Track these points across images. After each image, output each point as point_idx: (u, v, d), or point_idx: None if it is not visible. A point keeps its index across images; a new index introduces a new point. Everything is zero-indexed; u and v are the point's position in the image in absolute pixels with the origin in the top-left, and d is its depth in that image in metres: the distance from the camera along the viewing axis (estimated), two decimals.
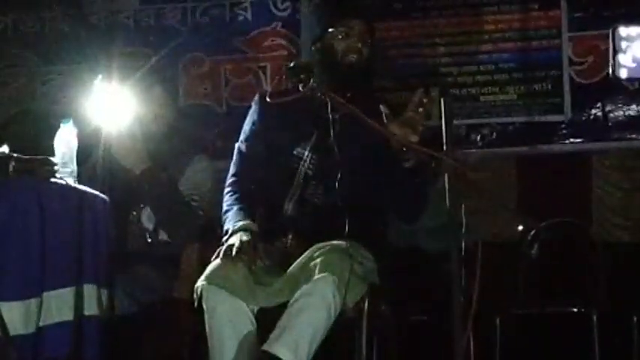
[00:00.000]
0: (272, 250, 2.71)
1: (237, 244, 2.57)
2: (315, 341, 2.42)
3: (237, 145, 2.93)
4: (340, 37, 2.81)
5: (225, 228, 2.72)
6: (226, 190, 2.86)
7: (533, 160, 4.78)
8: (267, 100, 2.80)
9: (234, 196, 2.82)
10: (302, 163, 2.77)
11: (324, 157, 2.74)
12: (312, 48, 2.90)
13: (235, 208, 2.77)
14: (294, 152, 2.78)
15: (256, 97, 2.94)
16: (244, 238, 2.60)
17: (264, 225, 2.76)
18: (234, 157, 2.92)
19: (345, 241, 2.57)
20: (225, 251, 2.57)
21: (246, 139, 2.90)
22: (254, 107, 2.92)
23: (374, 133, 2.41)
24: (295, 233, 2.72)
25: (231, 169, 2.91)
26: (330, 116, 2.67)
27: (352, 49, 2.79)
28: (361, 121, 2.39)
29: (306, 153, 2.77)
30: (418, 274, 3.91)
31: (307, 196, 2.75)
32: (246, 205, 2.78)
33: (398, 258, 2.95)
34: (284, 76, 2.69)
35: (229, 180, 2.88)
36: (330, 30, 2.82)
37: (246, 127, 2.92)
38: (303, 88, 2.53)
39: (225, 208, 2.81)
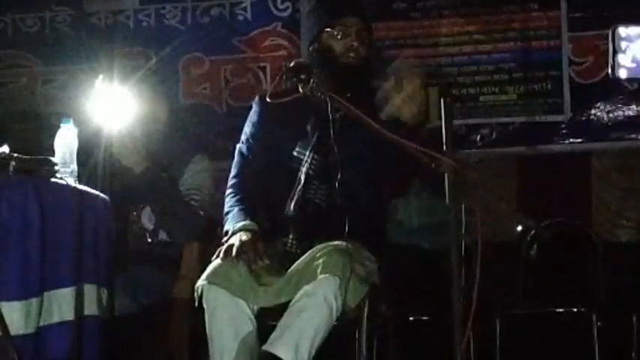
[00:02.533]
0: (273, 250, 2.71)
1: (237, 244, 2.57)
2: (316, 341, 2.43)
3: (237, 146, 2.92)
4: (337, 36, 2.79)
5: (226, 229, 2.72)
6: (228, 191, 2.86)
7: (533, 161, 4.78)
8: (268, 100, 2.80)
9: (235, 197, 2.81)
10: (303, 163, 2.76)
11: (325, 157, 2.74)
12: (310, 48, 2.89)
13: (236, 209, 2.76)
14: (295, 153, 2.78)
15: (256, 99, 2.94)
16: (244, 237, 2.60)
17: (266, 225, 2.76)
18: (235, 159, 2.91)
19: (346, 242, 2.57)
20: (225, 250, 2.57)
21: (247, 141, 2.90)
22: (254, 108, 2.92)
23: (376, 133, 2.41)
24: (297, 233, 2.72)
25: (232, 171, 2.90)
26: (331, 116, 2.67)
27: (350, 49, 2.78)
28: (362, 121, 2.39)
29: (307, 153, 2.77)
30: (418, 275, 3.91)
31: (309, 197, 2.74)
32: (248, 206, 2.77)
33: (398, 258, 2.95)
34: (283, 76, 2.67)
35: (231, 182, 2.88)
36: (326, 30, 2.81)
37: (247, 128, 2.91)
38: (303, 88, 2.53)
39: (226, 209, 2.80)
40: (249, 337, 2.51)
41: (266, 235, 2.73)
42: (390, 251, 2.87)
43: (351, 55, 2.78)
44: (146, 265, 3.03)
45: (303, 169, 2.75)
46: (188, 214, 3.06)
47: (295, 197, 2.74)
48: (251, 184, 2.84)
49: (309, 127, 2.79)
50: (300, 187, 2.74)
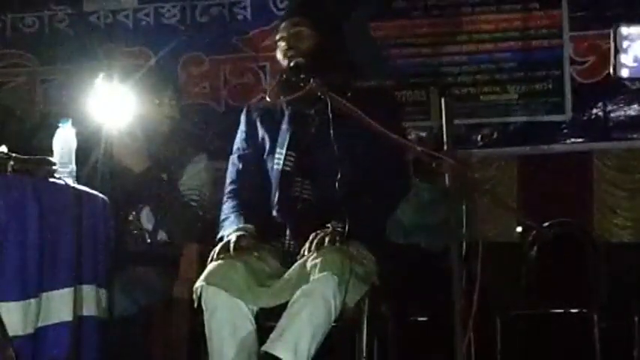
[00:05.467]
0: (272, 251, 2.70)
1: (233, 240, 2.57)
2: (315, 341, 2.42)
3: (230, 157, 2.93)
4: (279, 42, 2.81)
5: (220, 235, 2.72)
6: (225, 198, 2.87)
7: (534, 160, 4.78)
8: (250, 107, 2.83)
9: (232, 204, 2.82)
10: (279, 162, 2.76)
11: (302, 153, 2.73)
12: (273, 44, 2.89)
13: (233, 216, 2.76)
14: (276, 154, 2.78)
15: (244, 110, 2.95)
16: (240, 234, 2.61)
17: (261, 227, 2.76)
18: (229, 169, 2.92)
19: (346, 241, 2.57)
20: (222, 247, 2.57)
21: (237, 150, 2.92)
22: (241, 118, 2.93)
23: (375, 131, 2.40)
24: (292, 232, 2.71)
25: (228, 178, 2.91)
26: (331, 115, 2.63)
27: (286, 55, 2.76)
28: (363, 121, 2.38)
29: (283, 151, 2.77)
30: (419, 274, 3.90)
31: (295, 194, 2.73)
32: (244, 212, 2.77)
33: (398, 258, 2.94)
34: (283, 76, 2.66)
35: (227, 189, 2.89)
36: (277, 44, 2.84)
37: (237, 140, 2.93)
38: (303, 87, 2.52)
39: (223, 216, 2.80)
40: (249, 337, 2.50)
41: (263, 237, 2.72)
42: (389, 250, 2.86)
43: (290, 56, 2.74)
44: (145, 266, 3.02)
45: (279, 168, 2.75)
46: (187, 214, 3.05)
47: (276, 196, 2.73)
48: (246, 191, 2.84)
49: (283, 126, 2.79)
50: (278, 185, 2.74)
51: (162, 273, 3.04)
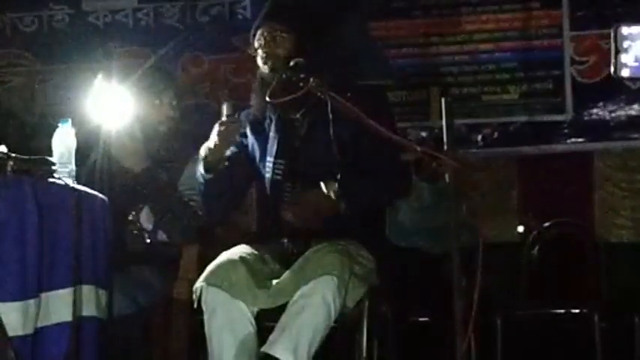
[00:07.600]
0: (271, 252, 2.70)
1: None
2: (315, 342, 2.42)
3: None
4: (258, 50, 2.79)
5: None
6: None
7: (535, 160, 4.77)
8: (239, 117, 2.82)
9: None
10: (269, 171, 2.76)
11: (291, 160, 2.73)
12: (252, 53, 2.86)
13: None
14: (266, 163, 2.79)
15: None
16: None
17: (261, 229, 2.77)
18: None
19: (345, 241, 2.57)
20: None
21: (228, 160, 2.91)
22: None
23: (374, 131, 2.39)
24: (290, 235, 2.71)
25: None
26: (331, 116, 2.62)
27: (266, 63, 2.74)
28: (363, 121, 2.38)
29: (272, 160, 2.76)
30: (418, 275, 3.90)
31: (285, 198, 2.73)
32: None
33: (398, 258, 2.94)
34: (282, 75, 2.65)
35: None
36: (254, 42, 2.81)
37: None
38: (303, 86, 2.51)
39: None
40: (248, 338, 2.50)
41: (262, 238, 2.72)
42: (390, 252, 2.86)
43: (271, 65, 2.72)
44: (145, 266, 3.02)
45: (269, 177, 2.75)
46: (187, 214, 3.05)
47: (272, 204, 2.74)
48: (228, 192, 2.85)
49: (271, 134, 2.79)
50: (270, 193, 2.75)
51: (162, 273, 3.03)
